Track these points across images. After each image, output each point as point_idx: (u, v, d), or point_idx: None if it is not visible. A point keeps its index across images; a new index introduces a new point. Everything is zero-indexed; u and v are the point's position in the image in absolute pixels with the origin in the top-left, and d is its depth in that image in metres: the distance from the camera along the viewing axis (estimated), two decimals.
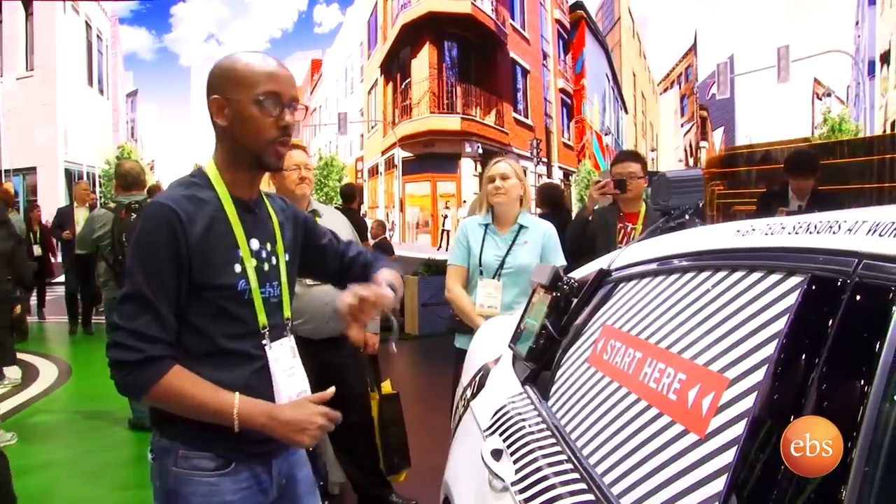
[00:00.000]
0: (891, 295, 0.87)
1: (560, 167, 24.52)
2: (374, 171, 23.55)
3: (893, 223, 0.94)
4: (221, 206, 1.66)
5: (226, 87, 1.65)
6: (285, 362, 1.74)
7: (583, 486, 1.35)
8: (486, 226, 3.43)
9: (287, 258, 1.78)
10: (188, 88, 25.91)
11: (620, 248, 3.53)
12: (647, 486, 1.16)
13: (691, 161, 23.71)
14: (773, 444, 0.94)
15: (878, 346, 0.85)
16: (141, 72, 26.12)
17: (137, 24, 26.55)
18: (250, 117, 1.63)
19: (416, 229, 22.20)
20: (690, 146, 25.08)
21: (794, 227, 1.15)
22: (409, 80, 21.70)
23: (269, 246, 1.73)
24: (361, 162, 24.03)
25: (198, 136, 24.62)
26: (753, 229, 1.25)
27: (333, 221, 3.28)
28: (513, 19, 22.59)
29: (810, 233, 1.10)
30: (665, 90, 24.80)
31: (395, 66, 22.38)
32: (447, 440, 2.64)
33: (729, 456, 1.00)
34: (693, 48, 23.15)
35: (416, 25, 21.20)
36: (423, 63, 21.22)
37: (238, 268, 1.63)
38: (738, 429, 1.01)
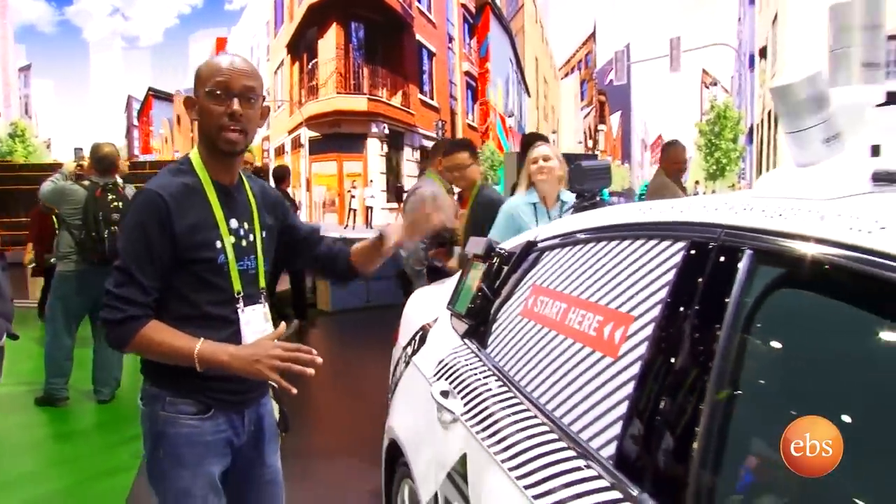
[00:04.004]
0: (740, 254, 1.29)
1: None
2: (280, 151, 23.37)
3: (744, 204, 1.37)
4: (203, 189, 1.92)
5: (195, 86, 1.92)
6: (257, 325, 1.99)
7: (523, 406, 1.75)
8: (535, 204, 3.73)
9: (263, 235, 2.05)
10: (88, 64, 24.98)
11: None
12: (577, 399, 1.56)
13: (590, 143, 24.74)
14: (664, 359, 1.35)
15: (732, 287, 1.28)
16: (37, 45, 24.95)
17: None
18: (205, 108, 1.88)
19: (323, 208, 22.31)
20: (590, 129, 26.16)
21: (679, 208, 1.57)
22: (315, 60, 21.65)
23: (246, 225, 1.99)
24: (268, 142, 23.85)
25: (97, 113, 23.87)
26: (651, 208, 1.67)
27: None
28: (419, 2, 22.78)
29: (691, 210, 1.52)
30: (566, 75, 25.76)
31: (301, 46, 22.28)
32: (363, 402, 3.02)
33: (635, 369, 1.42)
34: (592, 36, 24.17)
35: (323, 6, 21.11)
36: (329, 44, 21.22)
37: (218, 244, 1.90)
38: (641, 350, 1.43)
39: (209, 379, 1.88)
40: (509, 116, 25.59)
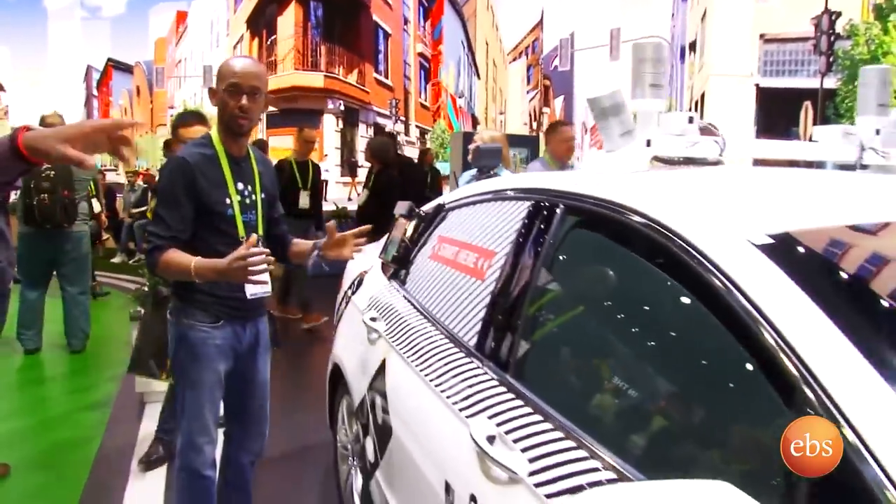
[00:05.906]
0: (557, 209, 1.98)
1: (417, 126, 25.73)
2: None
3: (566, 176, 2.07)
4: (219, 159, 2.55)
5: (217, 81, 2.53)
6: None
7: (425, 322, 2.43)
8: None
9: (262, 196, 2.68)
10: (46, 33, 24.79)
11: None
12: (458, 310, 2.25)
13: (535, 125, 25.61)
14: (509, 278, 2.04)
15: (550, 230, 1.97)
16: None
17: None
18: (223, 101, 2.50)
19: None
20: (535, 111, 26.89)
21: (527, 179, 2.26)
22: (274, 36, 22.00)
23: (249, 188, 2.63)
24: None
25: (55, 82, 23.68)
26: (512, 180, 2.37)
27: None
28: None
29: (534, 180, 2.22)
30: (514, 60, 26.49)
31: (261, 23, 22.59)
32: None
33: (493, 284, 2.10)
34: (539, 23, 24.88)
35: None
36: (288, 21, 21.58)
37: (227, 200, 2.54)
38: (498, 271, 2.11)
39: (220, 297, 2.54)
40: (460, 97, 26.27)
